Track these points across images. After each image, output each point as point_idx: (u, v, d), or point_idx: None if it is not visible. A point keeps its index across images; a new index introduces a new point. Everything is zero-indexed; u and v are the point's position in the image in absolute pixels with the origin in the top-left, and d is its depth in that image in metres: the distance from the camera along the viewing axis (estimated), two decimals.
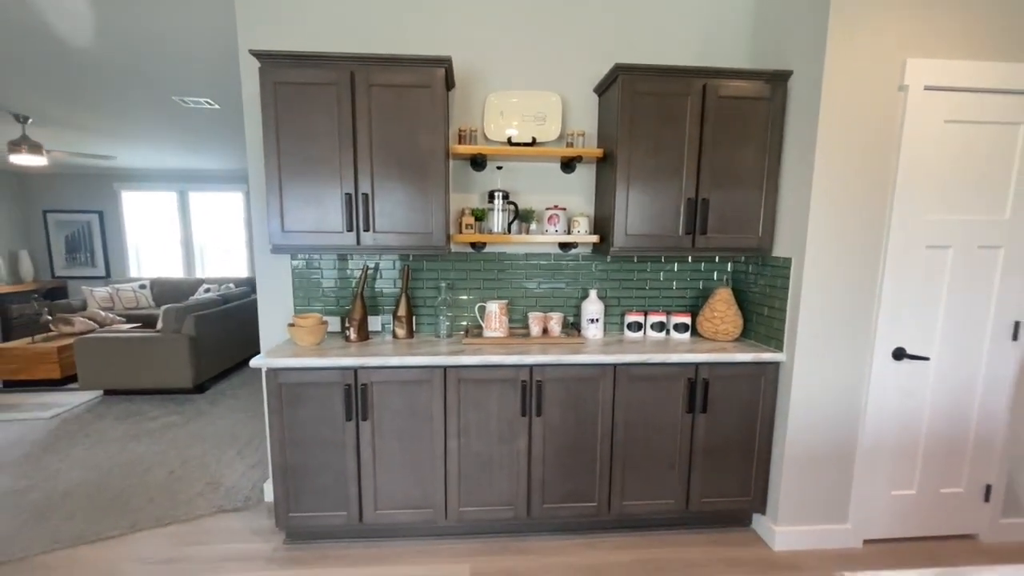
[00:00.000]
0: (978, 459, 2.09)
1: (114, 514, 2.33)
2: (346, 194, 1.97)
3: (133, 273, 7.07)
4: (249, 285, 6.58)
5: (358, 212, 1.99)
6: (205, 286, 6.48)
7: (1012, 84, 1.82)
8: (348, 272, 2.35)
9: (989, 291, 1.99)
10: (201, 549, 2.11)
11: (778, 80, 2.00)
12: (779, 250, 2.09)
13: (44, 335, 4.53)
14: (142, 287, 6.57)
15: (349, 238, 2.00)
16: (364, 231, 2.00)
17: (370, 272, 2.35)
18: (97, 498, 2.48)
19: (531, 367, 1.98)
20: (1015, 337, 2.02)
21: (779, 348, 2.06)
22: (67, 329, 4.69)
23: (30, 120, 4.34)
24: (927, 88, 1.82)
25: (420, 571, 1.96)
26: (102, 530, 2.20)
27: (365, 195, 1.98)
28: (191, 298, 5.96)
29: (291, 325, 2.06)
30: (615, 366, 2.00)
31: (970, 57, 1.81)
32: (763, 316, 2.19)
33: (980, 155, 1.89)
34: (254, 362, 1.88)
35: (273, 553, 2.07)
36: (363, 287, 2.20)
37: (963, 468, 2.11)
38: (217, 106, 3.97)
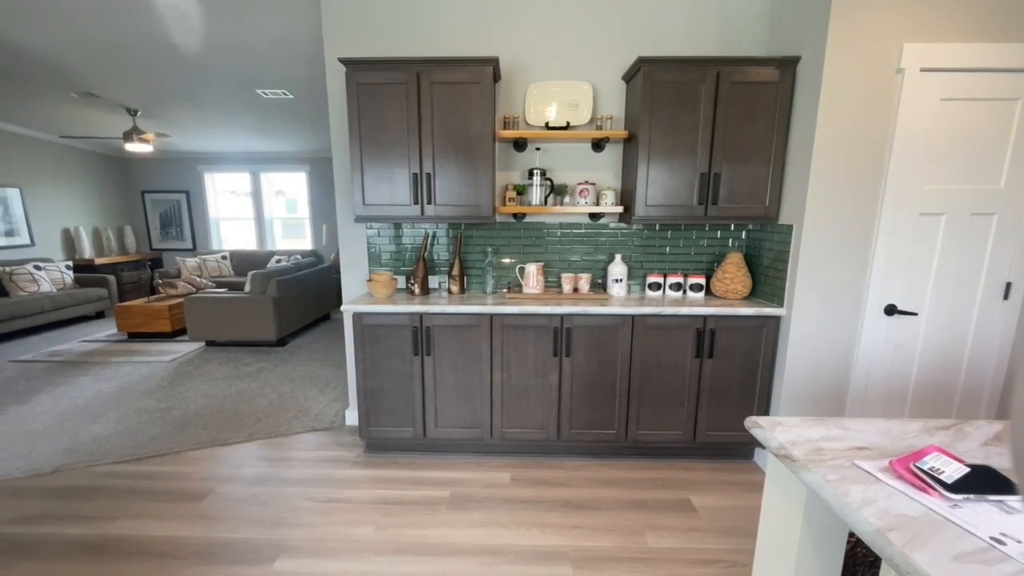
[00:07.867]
0: (965, 406, 2.33)
1: (234, 427, 3.00)
2: (413, 173, 2.42)
3: (215, 246, 8.02)
4: (314, 256, 7.34)
5: (422, 188, 2.44)
6: (276, 257, 7.29)
7: (1008, 63, 1.98)
8: (404, 241, 2.83)
9: (982, 254, 2.19)
10: (301, 453, 2.72)
11: (787, 66, 2.24)
12: (784, 218, 2.36)
13: (157, 296, 5.40)
14: (223, 258, 7.47)
15: (415, 210, 2.47)
16: (427, 204, 2.46)
17: (430, 239, 2.82)
18: (220, 416, 3.16)
19: (562, 316, 2.39)
20: (1006, 296, 2.22)
21: (781, 304, 2.36)
22: (172, 292, 5.56)
23: (139, 112, 5.10)
24: (923, 70, 2.01)
25: (471, 475, 2.47)
26: (228, 437, 2.87)
27: (428, 174, 2.42)
28: (269, 265, 6.78)
29: (369, 280, 2.57)
30: (633, 317, 2.38)
31: (965, 39, 1.99)
32: (769, 277, 2.48)
33: (975, 129, 2.07)
34: (344, 308, 2.41)
35: (356, 459, 2.65)
36: (424, 251, 2.67)
37: (951, 414, 2.35)
38: (291, 96, 4.54)
